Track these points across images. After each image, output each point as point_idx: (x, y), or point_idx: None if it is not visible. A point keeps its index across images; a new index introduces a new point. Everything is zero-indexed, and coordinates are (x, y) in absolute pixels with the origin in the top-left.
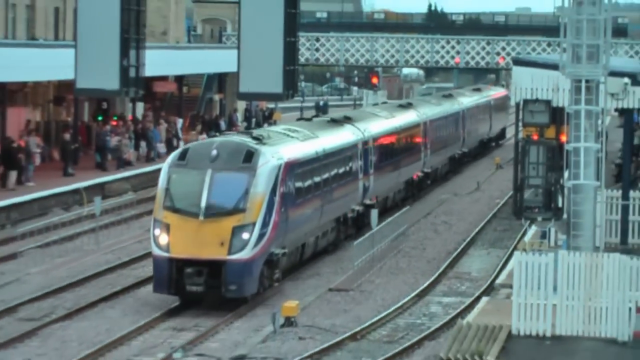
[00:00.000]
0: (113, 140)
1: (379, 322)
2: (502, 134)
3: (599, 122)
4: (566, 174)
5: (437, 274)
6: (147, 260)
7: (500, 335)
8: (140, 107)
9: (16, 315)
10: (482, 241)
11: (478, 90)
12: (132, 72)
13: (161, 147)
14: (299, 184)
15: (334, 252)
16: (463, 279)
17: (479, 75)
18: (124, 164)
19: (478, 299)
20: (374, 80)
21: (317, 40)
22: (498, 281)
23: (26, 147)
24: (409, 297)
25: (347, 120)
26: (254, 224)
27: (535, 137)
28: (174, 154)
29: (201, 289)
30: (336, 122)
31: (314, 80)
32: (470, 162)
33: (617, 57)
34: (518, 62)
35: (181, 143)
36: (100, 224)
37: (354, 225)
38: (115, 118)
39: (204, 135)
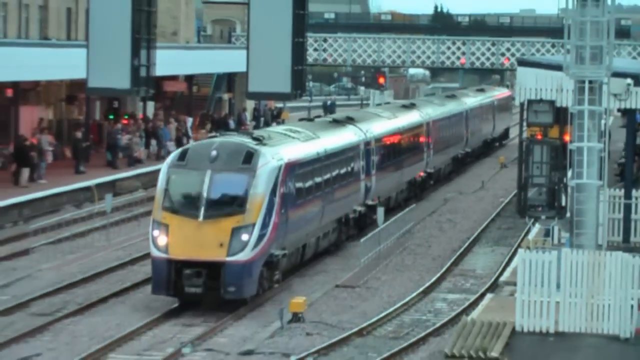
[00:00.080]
0: (124, 139)
1: (384, 319)
2: (505, 134)
3: (602, 122)
4: (569, 173)
5: (442, 271)
6: None
7: (504, 332)
8: (150, 106)
9: (28, 311)
10: (486, 239)
11: (481, 90)
12: (142, 72)
13: (171, 146)
14: (299, 185)
15: (340, 250)
16: (468, 276)
17: (484, 75)
18: (135, 161)
19: (482, 296)
20: (381, 80)
21: (325, 40)
22: (502, 278)
23: (38, 145)
24: (414, 294)
25: (350, 120)
26: (253, 225)
27: (539, 137)
28: (174, 154)
29: (200, 291)
30: (338, 123)
31: (321, 80)
32: (473, 162)
33: (620, 58)
34: (522, 62)
35: (191, 141)
36: (111, 220)
37: (355, 226)
38: (126, 117)
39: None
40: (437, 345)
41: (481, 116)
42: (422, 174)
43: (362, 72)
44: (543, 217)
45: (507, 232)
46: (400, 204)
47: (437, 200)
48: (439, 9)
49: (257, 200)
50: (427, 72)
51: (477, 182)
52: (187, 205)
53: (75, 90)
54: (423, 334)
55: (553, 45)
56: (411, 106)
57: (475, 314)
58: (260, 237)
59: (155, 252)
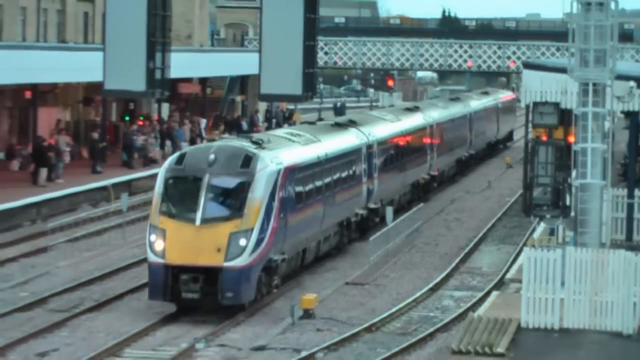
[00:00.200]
0: (139, 140)
1: (393, 315)
2: (509, 136)
3: (606, 123)
4: (574, 173)
5: (449, 269)
6: None
7: (509, 328)
8: (165, 107)
9: (46, 307)
10: (492, 237)
11: (486, 93)
12: (157, 74)
13: (185, 146)
14: (299, 189)
15: (349, 248)
16: (474, 274)
17: (491, 78)
18: (150, 162)
19: (489, 293)
20: (390, 82)
21: (335, 44)
22: (508, 276)
23: (56, 146)
24: (422, 291)
25: (352, 123)
26: (251, 230)
27: (544, 138)
28: (171, 158)
29: (197, 296)
30: (340, 126)
31: (332, 83)
32: (477, 164)
33: (623, 61)
34: (528, 65)
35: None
36: (127, 219)
37: (357, 229)
38: (141, 118)
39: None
40: (444, 341)
41: (485, 119)
42: (425, 176)
43: (372, 74)
44: (548, 216)
45: (513, 231)
46: (404, 206)
47: (445, 200)
48: (446, 14)
49: (256, 205)
50: (435, 75)
51: (484, 181)
52: (184, 210)
53: (92, 92)
54: (431, 330)
55: (558, 49)
56: (415, 109)
57: (481, 310)
58: (259, 242)
59: (152, 257)
